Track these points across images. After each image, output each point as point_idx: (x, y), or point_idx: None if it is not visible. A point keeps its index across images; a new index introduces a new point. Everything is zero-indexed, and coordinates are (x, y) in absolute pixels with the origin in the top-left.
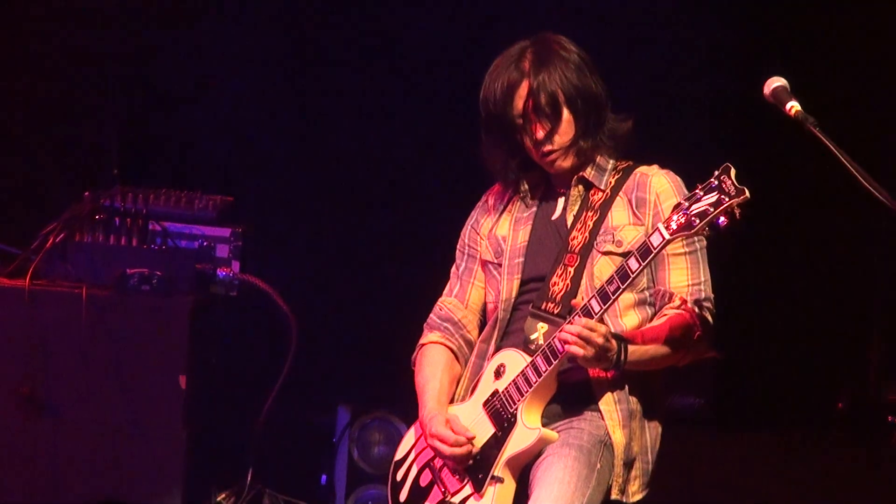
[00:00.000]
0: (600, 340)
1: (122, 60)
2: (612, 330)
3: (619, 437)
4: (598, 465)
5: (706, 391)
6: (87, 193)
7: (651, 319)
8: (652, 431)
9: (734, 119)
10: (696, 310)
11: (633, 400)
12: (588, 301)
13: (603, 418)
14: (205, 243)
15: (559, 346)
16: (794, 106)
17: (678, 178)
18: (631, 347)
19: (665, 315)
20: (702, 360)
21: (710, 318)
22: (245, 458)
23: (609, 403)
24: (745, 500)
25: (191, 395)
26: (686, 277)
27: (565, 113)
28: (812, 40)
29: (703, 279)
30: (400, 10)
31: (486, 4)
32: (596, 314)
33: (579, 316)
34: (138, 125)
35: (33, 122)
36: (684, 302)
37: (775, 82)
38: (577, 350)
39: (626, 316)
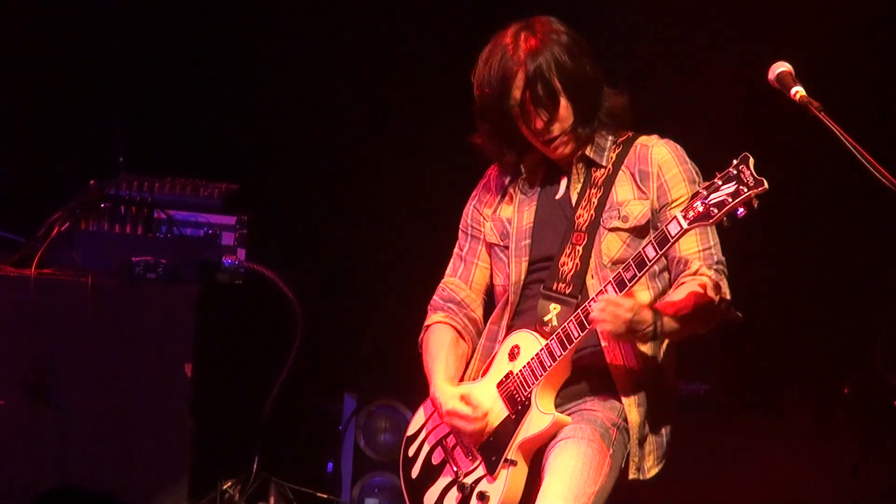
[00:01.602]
0: (628, 315)
1: (125, 49)
2: (644, 302)
3: (634, 416)
4: (612, 450)
5: (712, 377)
6: (92, 182)
7: (667, 290)
8: (665, 407)
9: (740, 104)
10: (713, 273)
11: (648, 378)
12: (604, 287)
13: (619, 399)
14: (210, 231)
15: (585, 323)
16: (798, 91)
17: (678, 147)
18: (666, 319)
19: (684, 282)
20: (728, 321)
21: (726, 280)
22: (251, 446)
23: (625, 383)
24: (751, 486)
25: (197, 383)
26: (696, 243)
27: (563, 101)
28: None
29: (712, 243)
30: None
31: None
32: None
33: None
34: (143, 113)
35: (38, 111)
36: (700, 266)
37: (780, 67)
38: (606, 326)
39: (639, 292)
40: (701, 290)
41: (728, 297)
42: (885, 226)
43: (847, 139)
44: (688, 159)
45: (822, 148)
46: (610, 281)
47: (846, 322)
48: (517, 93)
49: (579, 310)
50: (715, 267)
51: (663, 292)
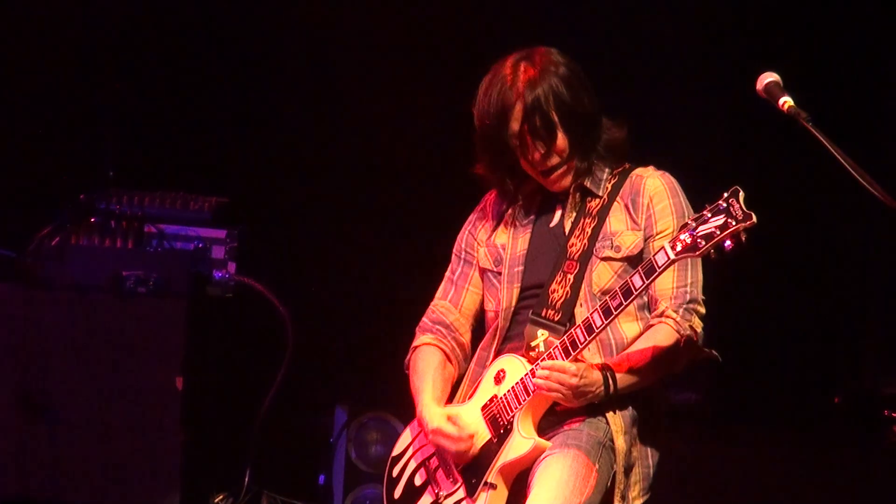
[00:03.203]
0: (573, 381)
1: (116, 63)
2: (593, 362)
3: (620, 443)
4: (597, 466)
5: (703, 387)
6: (82, 196)
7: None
8: (652, 436)
9: (727, 116)
10: (678, 315)
11: (635, 405)
12: (591, 315)
13: (606, 422)
14: (201, 245)
15: (531, 386)
16: (786, 101)
17: (672, 180)
18: (619, 376)
19: (652, 325)
20: (700, 362)
21: (695, 322)
22: (243, 459)
23: (612, 409)
24: (742, 496)
25: (188, 396)
26: (672, 281)
27: (560, 133)
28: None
29: (690, 280)
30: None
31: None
32: (598, 328)
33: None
34: (133, 127)
35: (29, 124)
36: (666, 309)
37: (768, 77)
38: (551, 394)
39: (627, 323)
40: (660, 340)
41: (697, 338)
42: (874, 236)
43: (836, 150)
44: (679, 192)
45: (811, 158)
46: (596, 309)
47: (837, 332)
48: (515, 124)
49: (564, 336)
50: (685, 307)
51: None
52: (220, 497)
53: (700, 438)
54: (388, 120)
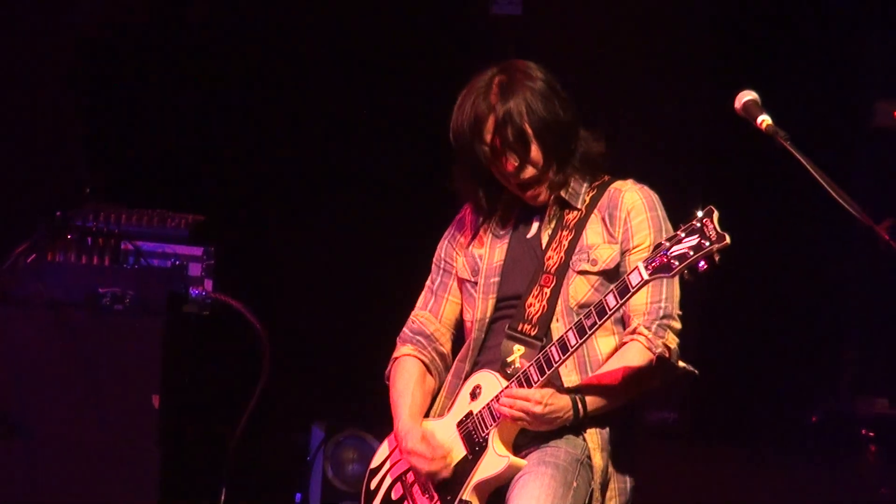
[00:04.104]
0: (537, 409)
1: (92, 79)
2: (570, 379)
3: (597, 460)
4: (575, 484)
5: (681, 405)
6: (58, 213)
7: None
8: (629, 453)
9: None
10: (650, 332)
11: (613, 423)
12: (566, 334)
13: (584, 439)
14: (177, 262)
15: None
16: (764, 120)
17: (651, 193)
18: (589, 398)
19: (622, 345)
20: (677, 378)
21: (669, 338)
22: (219, 477)
23: (590, 426)
24: None
25: (164, 414)
26: (646, 297)
27: (533, 147)
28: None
29: (664, 296)
30: (370, 28)
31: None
32: (572, 347)
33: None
34: (110, 144)
35: (4, 141)
36: (638, 325)
37: (746, 96)
38: (517, 423)
39: (603, 339)
40: (630, 358)
41: (669, 354)
42: (852, 255)
43: (814, 168)
44: (657, 206)
45: (789, 177)
46: (571, 328)
47: (813, 351)
48: (488, 136)
49: (540, 354)
50: (659, 322)
51: None
52: None
53: (678, 456)
54: (366, 137)
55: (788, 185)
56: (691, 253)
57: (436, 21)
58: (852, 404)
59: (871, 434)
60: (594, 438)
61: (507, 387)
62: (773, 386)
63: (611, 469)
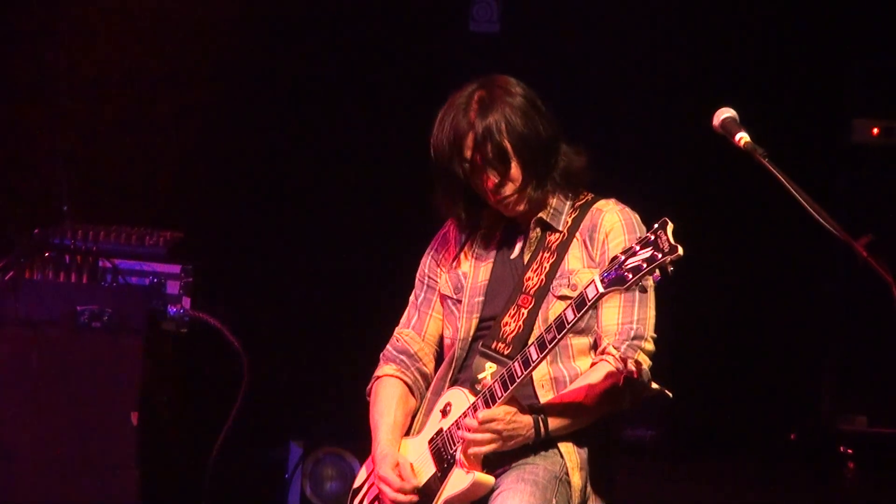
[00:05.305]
0: (499, 427)
1: (71, 96)
2: (526, 404)
3: (576, 480)
4: (554, 501)
5: (658, 422)
6: (36, 230)
7: None
8: (608, 472)
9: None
10: (619, 352)
11: (592, 441)
12: (528, 349)
13: (562, 457)
14: (155, 280)
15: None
16: (742, 137)
17: (631, 215)
18: (551, 418)
19: (592, 365)
20: (648, 399)
21: (639, 358)
22: (197, 495)
23: (568, 444)
24: None
25: (143, 431)
26: (617, 317)
27: (513, 163)
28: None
29: (636, 318)
30: (349, 45)
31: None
32: (534, 362)
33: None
34: (87, 162)
35: None
36: (607, 345)
37: (724, 113)
38: (478, 447)
39: (580, 360)
40: (595, 378)
41: (638, 374)
42: (831, 271)
43: (792, 185)
44: (636, 228)
45: (767, 194)
46: (533, 342)
47: (793, 368)
48: (468, 153)
49: (504, 369)
50: (629, 343)
51: None
52: None
53: (655, 473)
54: (345, 154)
55: (767, 202)
56: (644, 265)
57: (414, 38)
58: (832, 422)
59: (850, 451)
60: (572, 458)
61: (472, 403)
62: (753, 403)
63: (589, 489)
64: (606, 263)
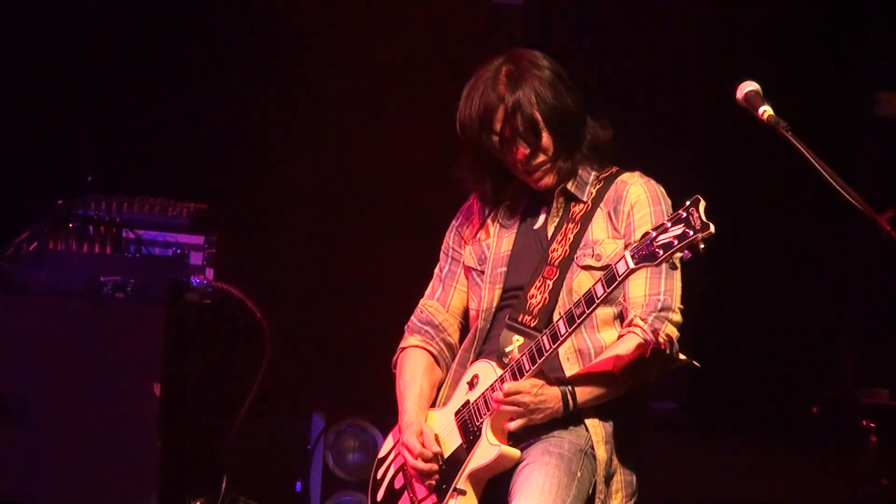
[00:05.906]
0: (527, 399)
1: (94, 68)
2: (553, 377)
3: (601, 453)
4: (579, 474)
5: (681, 395)
6: (60, 202)
7: None
8: (634, 445)
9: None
10: (646, 324)
11: (618, 415)
12: (556, 322)
13: (587, 430)
14: (178, 251)
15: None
16: (766, 110)
17: (656, 188)
18: (579, 390)
19: (619, 337)
20: (675, 370)
21: (667, 330)
22: (220, 466)
23: (593, 418)
24: None
25: (165, 402)
26: (644, 288)
27: (544, 134)
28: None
29: (663, 289)
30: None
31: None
32: (562, 336)
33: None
34: (111, 132)
35: (4, 131)
36: (635, 317)
37: (748, 87)
38: (506, 420)
39: (605, 331)
40: (624, 349)
41: (666, 346)
42: (852, 245)
43: (815, 159)
44: (662, 201)
45: (789, 167)
46: (562, 316)
47: (815, 341)
48: (498, 125)
49: (532, 343)
50: (656, 314)
51: None
52: (198, 503)
53: (678, 446)
54: (368, 124)
55: (790, 176)
56: (676, 242)
57: (436, 12)
58: (853, 395)
59: (872, 425)
60: (598, 431)
61: (500, 376)
62: (775, 376)
63: (615, 461)
64: (634, 237)
